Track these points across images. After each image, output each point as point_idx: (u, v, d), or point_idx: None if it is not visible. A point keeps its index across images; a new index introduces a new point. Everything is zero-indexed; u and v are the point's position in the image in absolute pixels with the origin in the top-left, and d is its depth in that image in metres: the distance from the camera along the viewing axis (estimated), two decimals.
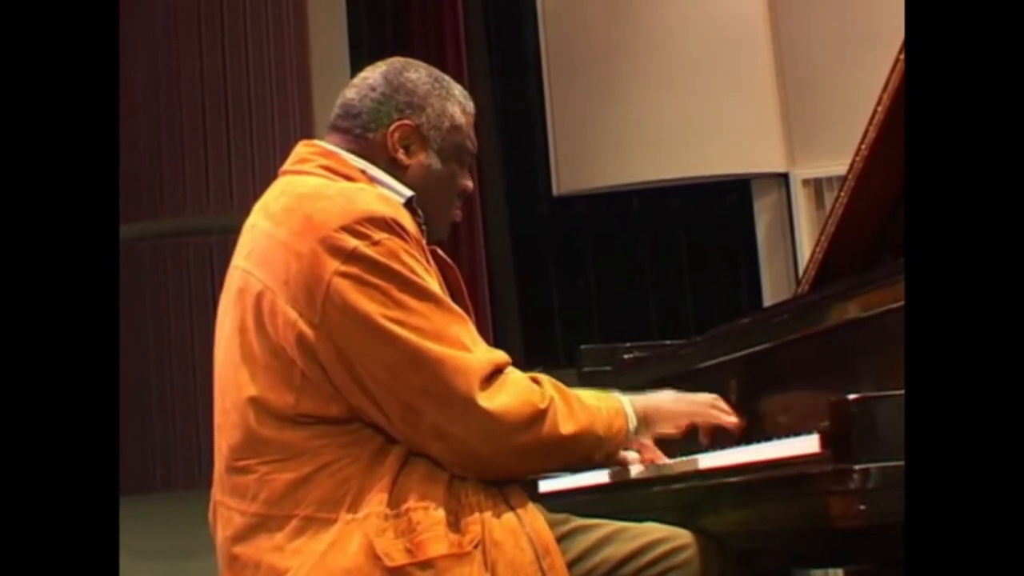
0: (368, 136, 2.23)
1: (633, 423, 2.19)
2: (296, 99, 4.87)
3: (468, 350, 2.02)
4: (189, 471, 4.59)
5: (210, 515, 2.16)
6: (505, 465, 2.05)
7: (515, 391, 2.03)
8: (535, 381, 2.09)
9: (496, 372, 2.04)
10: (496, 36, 5.45)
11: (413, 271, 2.03)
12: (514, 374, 2.07)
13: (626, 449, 2.26)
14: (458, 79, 2.38)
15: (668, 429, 2.27)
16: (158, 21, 4.81)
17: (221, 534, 2.11)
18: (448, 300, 2.07)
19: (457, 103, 2.29)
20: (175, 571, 4.54)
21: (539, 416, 2.03)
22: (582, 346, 3.13)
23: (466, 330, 2.05)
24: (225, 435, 2.11)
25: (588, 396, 2.16)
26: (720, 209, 5.51)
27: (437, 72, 2.33)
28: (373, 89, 2.26)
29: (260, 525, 2.03)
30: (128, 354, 4.44)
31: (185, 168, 4.78)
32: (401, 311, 2.00)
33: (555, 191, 5.24)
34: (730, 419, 2.29)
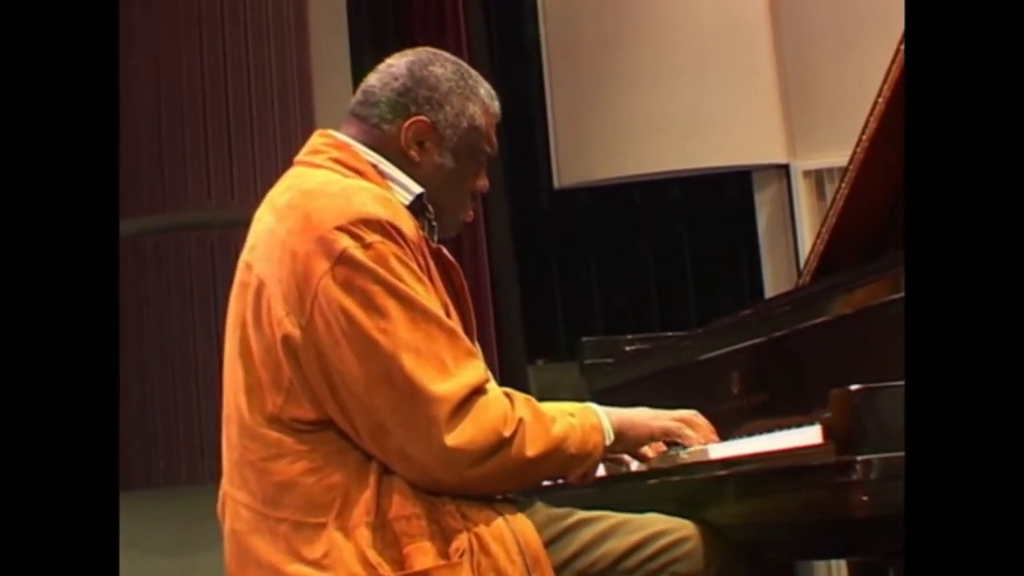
0: (383, 127, 2.20)
1: (610, 438, 2.15)
2: (297, 94, 4.87)
3: (446, 371, 1.97)
4: (192, 466, 4.59)
5: (219, 506, 2.16)
6: (470, 489, 2.01)
7: (483, 420, 1.98)
8: (507, 397, 2.05)
9: (472, 394, 1.99)
10: (496, 30, 5.44)
11: (401, 278, 1.99)
12: (490, 396, 2.01)
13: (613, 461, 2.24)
14: None
15: (643, 445, 2.22)
16: (159, 18, 4.81)
17: (229, 525, 2.11)
18: (438, 313, 2.02)
19: (480, 103, 2.25)
20: (179, 566, 4.54)
21: (503, 444, 1.99)
22: (584, 339, 3.13)
23: (450, 345, 2.00)
24: (231, 427, 2.11)
25: (563, 412, 2.11)
26: (721, 201, 5.49)
27: (466, 69, 2.27)
28: (395, 79, 2.22)
29: (260, 522, 2.04)
30: (130, 349, 4.46)
31: (187, 163, 4.78)
32: (382, 318, 1.97)
33: (556, 184, 5.23)
34: (710, 436, 2.25)
